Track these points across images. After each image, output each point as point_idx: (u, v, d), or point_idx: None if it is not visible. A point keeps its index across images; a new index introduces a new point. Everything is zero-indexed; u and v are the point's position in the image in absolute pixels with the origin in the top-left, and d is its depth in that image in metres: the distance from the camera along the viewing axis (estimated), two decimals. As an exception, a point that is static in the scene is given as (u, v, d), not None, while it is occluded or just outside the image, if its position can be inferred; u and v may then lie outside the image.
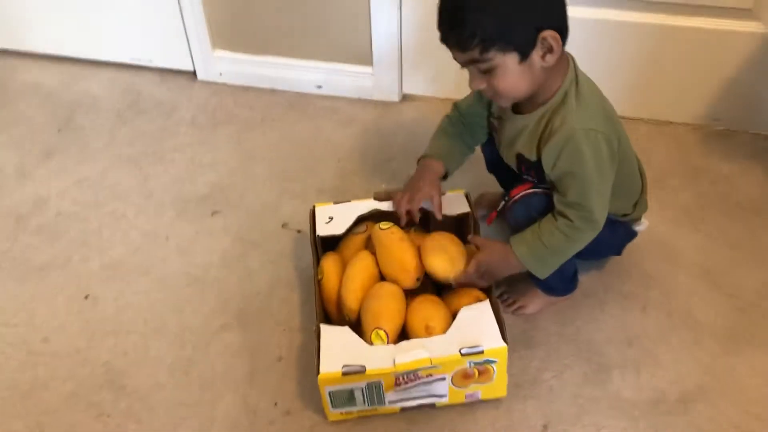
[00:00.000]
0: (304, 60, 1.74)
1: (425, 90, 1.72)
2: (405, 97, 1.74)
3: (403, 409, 1.09)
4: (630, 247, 1.31)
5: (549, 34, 0.99)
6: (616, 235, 1.21)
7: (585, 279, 1.28)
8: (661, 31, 1.49)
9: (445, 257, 1.14)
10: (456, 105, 1.25)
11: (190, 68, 1.83)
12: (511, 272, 1.11)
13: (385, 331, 1.06)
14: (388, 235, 1.16)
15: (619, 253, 1.27)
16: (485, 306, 1.08)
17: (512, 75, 1.00)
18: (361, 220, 1.24)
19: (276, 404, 1.13)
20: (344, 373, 1.01)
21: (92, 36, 1.85)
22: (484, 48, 0.97)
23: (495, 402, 1.11)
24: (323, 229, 1.22)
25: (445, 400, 1.09)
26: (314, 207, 1.26)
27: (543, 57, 1.00)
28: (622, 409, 1.11)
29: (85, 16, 1.80)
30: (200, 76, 1.83)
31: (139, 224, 1.45)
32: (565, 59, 1.06)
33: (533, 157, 1.08)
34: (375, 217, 1.23)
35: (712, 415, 1.09)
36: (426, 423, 1.10)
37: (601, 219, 1.06)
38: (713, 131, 1.59)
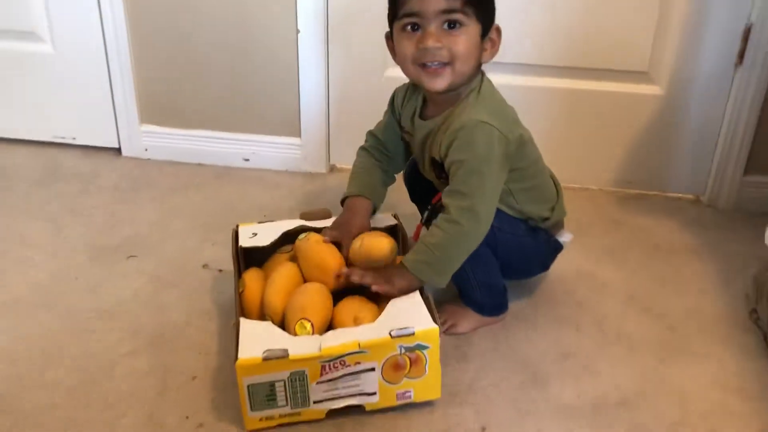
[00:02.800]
0: (231, 133, 1.77)
1: (351, 161, 1.74)
2: (332, 168, 1.77)
3: (330, 414, 0.99)
4: (558, 279, 1.31)
5: (498, 28, 1.07)
6: (539, 243, 1.20)
7: (515, 305, 1.25)
8: (569, 95, 1.61)
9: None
10: (371, 132, 1.27)
11: (115, 145, 1.82)
12: (404, 283, 1.04)
13: (310, 321, 0.99)
14: (305, 242, 1.12)
15: (546, 268, 1.26)
16: (415, 296, 1.03)
17: (471, 43, 1.04)
18: (288, 240, 1.20)
19: (187, 417, 1.01)
20: (265, 359, 0.93)
21: (12, 115, 1.83)
22: (467, 1, 1.01)
23: (429, 407, 1.03)
24: (247, 242, 1.17)
25: (375, 400, 1.00)
26: (237, 226, 1.22)
27: (487, 48, 1.07)
28: (563, 413, 1.04)
29: (9, 96, 1.81)
30: (125, 152, 1.82)
31: (47, 267, 1.36)
32: (480, 70, 1.11)
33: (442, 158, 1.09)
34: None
35: (654, 414, 1.04)
36: (355, 430, 1.00)
37: (483, 213, 1.03)
38: (628, 194, 1.67)
